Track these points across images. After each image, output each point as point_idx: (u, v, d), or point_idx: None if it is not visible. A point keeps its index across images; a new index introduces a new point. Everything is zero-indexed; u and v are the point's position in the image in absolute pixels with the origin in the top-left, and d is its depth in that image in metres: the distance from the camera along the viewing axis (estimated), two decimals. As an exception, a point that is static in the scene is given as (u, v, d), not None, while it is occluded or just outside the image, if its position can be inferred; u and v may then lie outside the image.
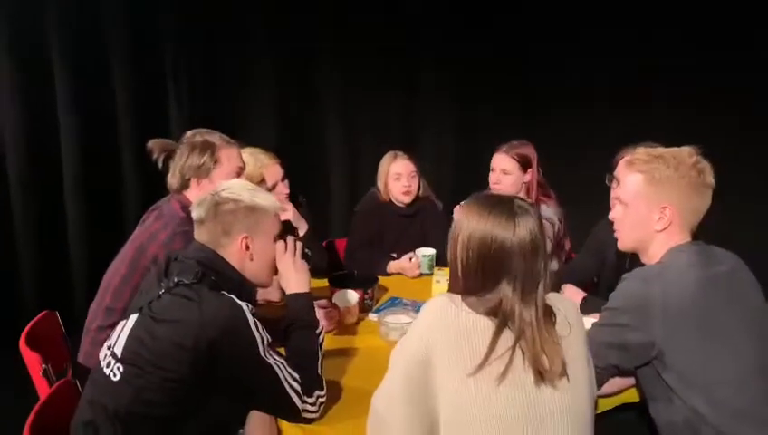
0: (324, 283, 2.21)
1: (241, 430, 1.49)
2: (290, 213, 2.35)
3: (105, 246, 2.26)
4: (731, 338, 1.41)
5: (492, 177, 2.59)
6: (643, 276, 1.48)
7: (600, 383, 1.53)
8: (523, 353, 1.20)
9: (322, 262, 2.47)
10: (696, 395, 1.39)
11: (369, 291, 2.16)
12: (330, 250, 2.88)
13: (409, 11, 3.74)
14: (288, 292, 1.62)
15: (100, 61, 3.11)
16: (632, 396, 1.65)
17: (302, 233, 2.42)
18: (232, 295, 1.38)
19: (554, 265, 2.64)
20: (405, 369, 1.25)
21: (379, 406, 1.29)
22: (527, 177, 2.56)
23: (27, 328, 1.85)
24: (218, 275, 1.44)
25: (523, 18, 3.82)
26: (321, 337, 1.57)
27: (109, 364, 1.37)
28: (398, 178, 2.68)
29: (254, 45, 3.48)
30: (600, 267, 2.30)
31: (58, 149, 3.11)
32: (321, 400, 1.46)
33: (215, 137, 1.98)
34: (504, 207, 1.25)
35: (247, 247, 1.50)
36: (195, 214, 1.48)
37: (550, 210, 2.55)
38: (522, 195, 2.59)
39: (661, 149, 1.55)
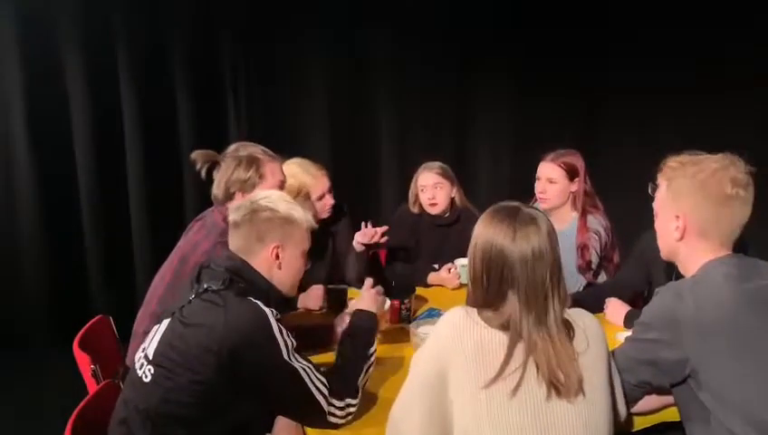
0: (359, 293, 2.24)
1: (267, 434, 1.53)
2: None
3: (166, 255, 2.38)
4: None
5: (537, 186, 2.54)
6: (675, 290, 1.41)
7: (633, 400, 1.48)
8: (537, 368, 1.19)
9: (365, 273, 2.49)
10: (732, 415, 1.31)
11: (407, 301, 2.17)
12: (375, 260, 2.90)
13: (462, 13, 3.73)
14: (357, 307, 1.70)
15: (165, 72, 3.25)
16: (672, 415, 1.58)
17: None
18: (258, 301, 1.43)
19: (602, 278, 2.57)
20: (421, 380, 1.27)
21: (396, 415, 1.31)
22: (574, 186, 2.50)
23: (81, 332, 1.97)
24: (246, 282, 1.49)
25: (581, 19, 3.75)
26: (372, 357, 1.61)
27: (141, 366, 1.44)
28: (423, 190, 2.70)
29: (310, 53, 3.55)
30: (648, 280, 2.21)
31: (123, 157, 3.27)
32: (351, 408, 1.49)
33: (258, 151, 2.06)
34: (508, 214, 1.26)
35: (277, 256, 1.56)
36: (231, 217, 1.54)
37: (596, 221, 2.48)
38: (568, 206, 2.54)
39: (693, 156, 1.48)
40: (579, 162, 2.51)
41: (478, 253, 1.27)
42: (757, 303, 1.36)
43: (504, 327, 1.23)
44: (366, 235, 2.44)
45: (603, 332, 1.31)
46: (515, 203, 1.31)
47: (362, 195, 3.73)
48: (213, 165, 2.03)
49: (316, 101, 3.65)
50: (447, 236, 2.75)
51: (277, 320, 1.43)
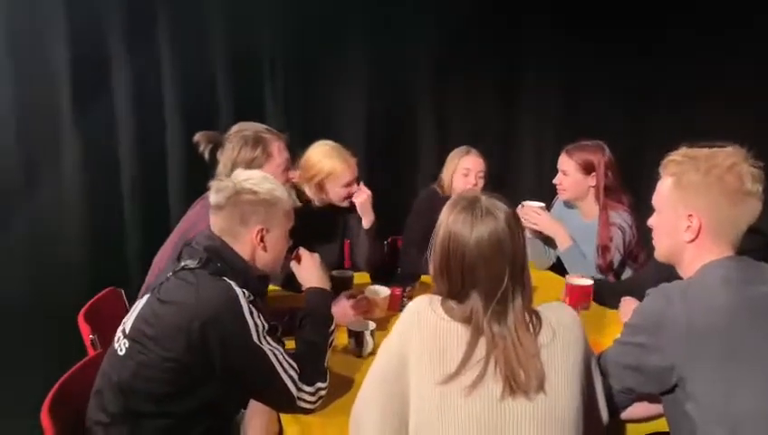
0: (367, 277, 2.22)
1: (243, 410, 1.54)
2: (364, 197, 2.42)
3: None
4: (762, 368, 1.21)
5: (556, 177, 2.46)
6: (666, 293, 1.31)
7: (619, 407, 1.40)
8: (496, 365, 1.14)
9: (375, 256, 2.47)
10: (719, 430, 1.21)
11: (409, 289, 2.13)
12: (393, 248, 2.87)
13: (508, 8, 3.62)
14: (307, 286, 1.67)
15: (204, 64, 3.28)
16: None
17: (366, 224, 2.45)
18: (231, 282, 1.43)
19: (627, 274, 2.45)
20: (381, 373, 1.24)
21: (356, 408, 1.29)
22: (591, 181, 2.39)
23: (90, 302, 2.04)
24: (223, 262, 1.49)
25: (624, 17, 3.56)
26: (332, 334, 1.60)
27: (118, 339, 1.47)
28: (466, 173, 2.63)
29: (350, 44, 3.50)
30: (669, 279, 2.08)
31: (164, 148, 3.32)
32: (321, 392, 1.47)
33: (263, 130, 2.06)
34: (468, 203, 1.21)
35: (262, 239, 1.55)
36: (213, 199, 1.54)
37: (619, 217, 2.36)
38: (591, 199, 2.43)
39: (699, 150, 1.36)
40: (596, 156, 2.40)
41: (438, 242, 1.23)
42: (755, 310, 1.24)
43: (466, 320, 1.18)
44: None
45: (579, 327, 1.24)
46: (477, 193, 1.27)
47: (398, 184, 3.67)
48: (216, 146, 2.04)
49: (354, 92, 3.60)
50: None
51: (249, 301, 1.42)
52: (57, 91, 2.91)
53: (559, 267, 2.56)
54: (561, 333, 1.19)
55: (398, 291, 2.09)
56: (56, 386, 1.52)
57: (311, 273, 1.68)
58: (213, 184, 1.55)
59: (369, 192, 2.44)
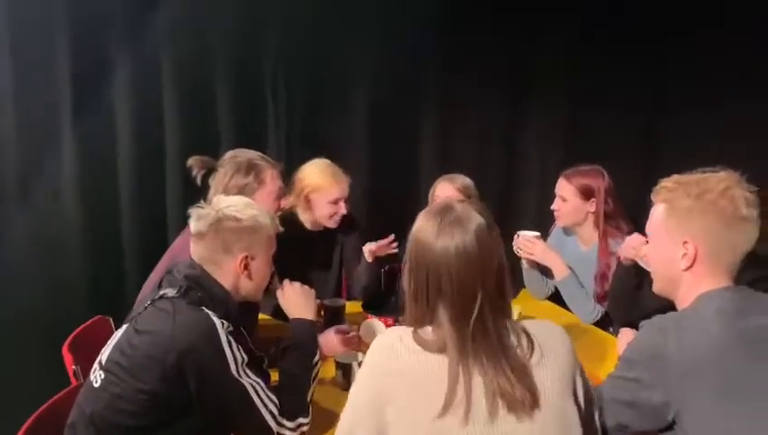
0: (359, 306, 2.17)
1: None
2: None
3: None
4: (761, 404, 1.14)
5: (555, 202, 2.41)
6: (659, 325, 1.26)
7: None
8: (481, 390, 1.07)
9: (372, 285, 2.43)
10: None
11: (402, 318, 2.06)
12: (390, 277, 2.82)
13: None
14: (292, 317, 1.63)
15: (205, 76, 3.27)
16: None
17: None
18: (209, 311, 1.39)
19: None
20: (356, 408, 1.15)
21: None
22: (591, 207, 2.34)
23: (75, 332, 2.00)
24: (203, 291, 1.45)
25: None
26: (317, 367, 1.55)
27: (94, 371, 1.43)
28: (435, 201, 2.58)
29: (351, 62, 3.42)
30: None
31: (163, 172, 3.30)
32: (303, 428, 1.43)
33: (257, 157, 2.05)
34: (439, 211, 1.13)
35: (246, 267, 1.51)
36: (193, 227, 1.51)
37: (618, 246, 2.30)
38: (590, 226, 2.38)
39: (691, 175, 1.32)
40: (596, 181, 2.35)
41: (408, 253, 1.14)
42: (750, 342, 1.18)
43: (442, 350, 1.10)
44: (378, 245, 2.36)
45: (568, 347, 1.16)
46: (453, 201, 1.16)
47: (400, 206, 3.61)
48: (209, 172, 2.02)
49: (356, 110, 3.58)
50: None
51: (228, 332, 1.38)
52: (57, 108, 2.92)
53: (557, 297, 2.49)
54: (550, 352, 1.12)
55: (390, 322, 2.04)
56: (31, 418, 1.47)
57: (294, 303, 1.64)
58: (193, 211, 1.52)
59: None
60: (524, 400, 1.06)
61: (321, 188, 2.37)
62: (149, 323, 1.39)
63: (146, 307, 1.43)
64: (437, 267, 1.09)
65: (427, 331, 1.13)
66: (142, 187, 3.12)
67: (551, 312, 2.42)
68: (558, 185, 2.40)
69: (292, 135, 3.37)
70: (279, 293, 1.66)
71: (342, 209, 2.41)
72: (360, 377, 1.17)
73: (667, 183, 1.34)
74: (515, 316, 2.02)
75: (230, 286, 1.51)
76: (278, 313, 2.22)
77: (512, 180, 3.80)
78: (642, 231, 2.36)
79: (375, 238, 2.51)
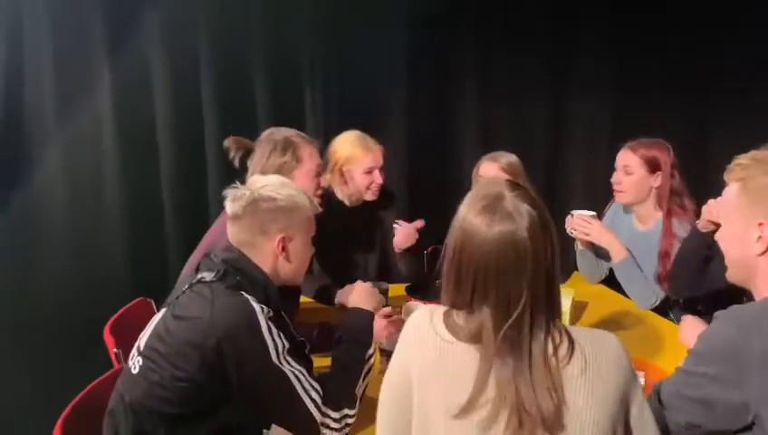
0: (401, 290, 2.10)
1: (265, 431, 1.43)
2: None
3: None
4: None
5: (614, 175, 2.27)
6: (738, 318, 1.13)
7: None
8: (511, 400, 0.97)
9: (412, 269, 2.35)
10: None
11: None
12: (433, 258, 2.73)
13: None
14: (351, 304, 1.58)
15: (242, 67, 3.23)
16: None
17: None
18: (249, 296, 1.33)
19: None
20: (384, 399, 1.09)
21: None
22: (656, 181, 2.19)
23: (118, 313, 1.99)
24: (242, 275, 1.39)
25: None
26: (370, 361, 1.47)
27: (132, 356, 1.39)
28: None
29: (392, 51, 3.34)
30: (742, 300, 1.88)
31: (203, 154, 3.28)
32: (348, 420, 1.36)
33: (293, 134, 1.98)
34: (490, 201, 1.01)
35: (284, 248, 1.45)
36: (230, 209, 1.44)
37: (681, 227, 2.14)
38: (651, 203, 2.23)
39: None
40: (662, 154, 2.20)
41: (450, 240, 1.05)
42: None
43: (474, 340, 1.00)
44: (405, 236, 2.25)
45: (623, 365, 1.03)
46: (501, 189, 1.03)
47: (441, 196, 3.51)
48: (246, 153, 1.96)
49: (396, 98, 3.48)
50: None
51: (269, 317, 1.32)
52: (96, 96, 2.92)
53: (611, 281, 2.37)
54: (595, 365, 1.00)
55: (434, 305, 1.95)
56: (71, 404, 1.45)
57: (359, 296, 1.60)
58: (228, 192, 1.45)
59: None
60: (545, 415, 0.95)
61: (354, 158, 2.29)
62: (187, 308, 1.34)
63: (184, 291, 1.38)
64: (483, 262, 0.99)
65: (460, 316, 1.04)
66: (182, 170, 3.10)
67: (604, 296, 2.29)
68: (620, 156, 2.25)
69: (330, 116, 3.29)
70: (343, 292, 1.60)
71: (379, 178, 2.32)
72: (392, 359, 1.10)
73: (742, 160, 1.22)
74: (569, 301, 1.94)
75: (269, 269, 1.44)
76: (321, 295, 2.17)
77: (557, 158, 3.66)
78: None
79: (417, 217, 2.43)
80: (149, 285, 2.76)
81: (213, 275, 1.36)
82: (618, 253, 2.19)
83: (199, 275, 1.39)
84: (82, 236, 2.96)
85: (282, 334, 1.33)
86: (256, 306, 1.31)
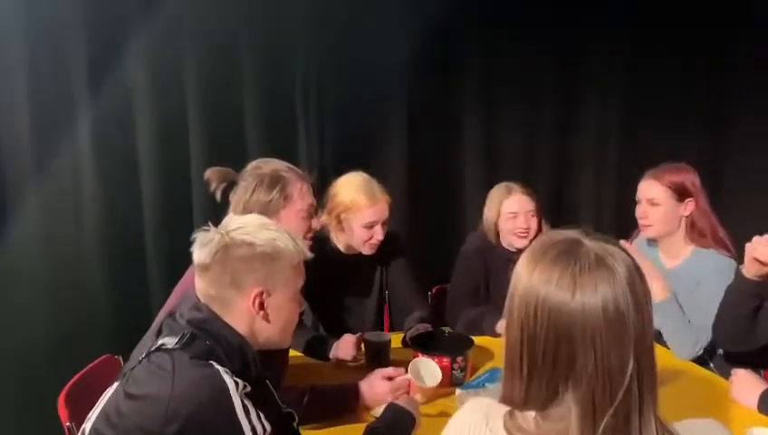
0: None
1: None
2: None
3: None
4: None
5: (638, 209, 2.05)
6: None
7: None
8: None
9: (425, 320, 2.08)
10: None
11: (460, 359, 1.72)
12: (439, 299, 2.47)
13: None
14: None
15: (233, 96, 3.01)
16: None
17: None
18: (220, 368, 1.07)
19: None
20: None
21: None
22: (685, 210, 1.96)
23: (75, 378, 1.72)
24: (212, 340, 1.13)
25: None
26: None
27: (76, 443, 1.12)
28: (513, 217, 2.21)
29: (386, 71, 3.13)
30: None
31: (188, 181, 3.05)
32: None
33: (283, 168, 1.72)
34: (566, 250, 0.79)
35: (261, 305, 1.18)
36: (196, 257, 1.19)
37: (724, 262, 1.90)
38: (681, 236, 1.99)
39: None
40: (690, 179, 1.98)
41: (514, 313, 0.81)
42: None
43: None
44: (344, 349, 1.88)
45: None
46: (574, 233, 0.82)
47: (442, 230, 3.29)
48: (230, 185, 1.71)
49: (393, 121, 3.27)
50: None
51: (245, 395, 1.06)
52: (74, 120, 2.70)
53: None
54: None
55: (445, 362, 1.69)
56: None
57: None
58: (197, 237, 1.20)
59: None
60: None
61: (355, 208, 2.04)
62: (143, 384, 1.07)
63: (140, 361, 1.12)
64: (573, 336, 0.75)
65: (528, 419, 0.79)
66: (167, 206, 2.86)
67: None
68: (644, 187, 2.02)
69: (326, 137, 3.07)
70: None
71: (379, 235, 2.06)
72: None
73: None
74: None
75: (245, 332, 1.18)
76: (312, 349, 1.91)
77: (563, 181, 3.45)
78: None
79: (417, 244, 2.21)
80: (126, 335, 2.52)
81: (176, 340, 1.10)
82: (662, 291, 1.91)
83: (160, 341, 1.13)
84: (60, 279, 2.72)
85: (261, 415, 1.06)
86: (229, 381, 1.04)
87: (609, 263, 0.76)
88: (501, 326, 2.09)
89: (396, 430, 1.33)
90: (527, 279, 0.80)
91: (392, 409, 1.38)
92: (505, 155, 3.34)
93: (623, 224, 2.38)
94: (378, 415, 1.44)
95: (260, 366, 1.18)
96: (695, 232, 1.96)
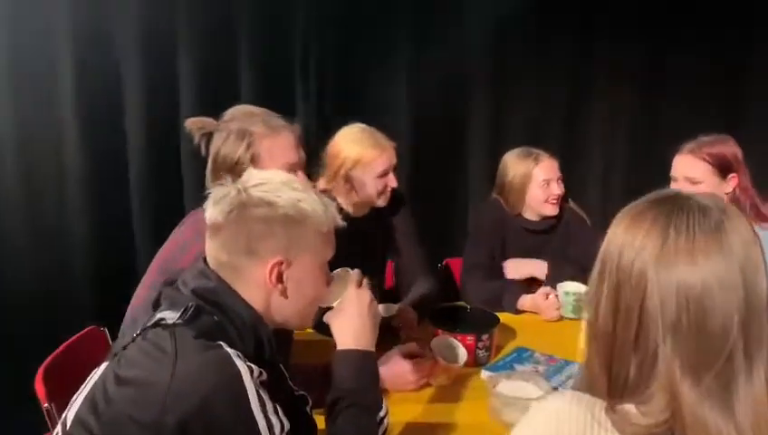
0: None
1: None
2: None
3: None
4: None
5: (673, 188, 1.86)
6: None
7: None
8: None
9: (433, 291, 1.92)
10: None
11: (485, 337, 1.56)
12: (447, 274, 2.31)
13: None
14: (341, 346, 1.11)
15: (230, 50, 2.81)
16: None
17: None
18: (230, 350, 0.89)
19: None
20: None
21: None
22: (728, 186, 1.78)
23: (55, 353, 1.53)
24: (221, 315, 0.95)
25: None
26: (383, 425, 1.07)
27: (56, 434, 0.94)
28: (546, 184, 2.05)
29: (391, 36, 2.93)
30: None
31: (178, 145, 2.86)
32: None
33: (256, 120, 1.45)
34: (672, 210, 0.69)
35: (279, 277, 0.99)
36: (209, 214, 1.01)
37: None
38: None
39: None
40: (732, 151, 1.79)
41: (607, 277, 0.71)
42: None
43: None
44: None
45: None
46: (678, 190, 0.75)
47: (448, 195, 3.12)
48: (209, 137, 1.48)
49: (395, 82, 3.07)
50: (541, 248, 2.11)
51: (260, 383, 0.88)
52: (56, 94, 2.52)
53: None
54: None
55: (469, 340, 1.53)
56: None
57: (350, 324, 1.12)
58: (212, 191, 1.01)
59: None
60: None
61: (364, 160, 1.84)
62: (137, 367, 0.89)
63: (134, 338, 0.94)
64: (686, 300, 0.66)
65: (631, 412, 0.66)
66: (153, 161, 2.69)
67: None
68: (680, 164, 1.82)
69: (325, 101, 2.87)
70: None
71: (393, 182, 1.87)
72: None
73: None
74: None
75: (260, 307, 1.00)
76: (321, 324, 1.73)
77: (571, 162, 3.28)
78: None
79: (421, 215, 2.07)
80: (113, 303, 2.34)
81: (178, 314, 0.92)
82: None
83: (158, 314, 0.94)
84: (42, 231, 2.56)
85: (279, 410, 0.89)
86: (242, 367, 0.87)
87: (730, 225, 0.68)
88: (523, 302, 1.94)
89: (357, 382, 1.07)
90: (622, 242, 0.70)
91: (341, 357, 1.10)
92: (512, 124, 3.15)
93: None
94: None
95: (274, 347, 1.01)
96: (747, 208, 1.77)
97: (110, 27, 2.57)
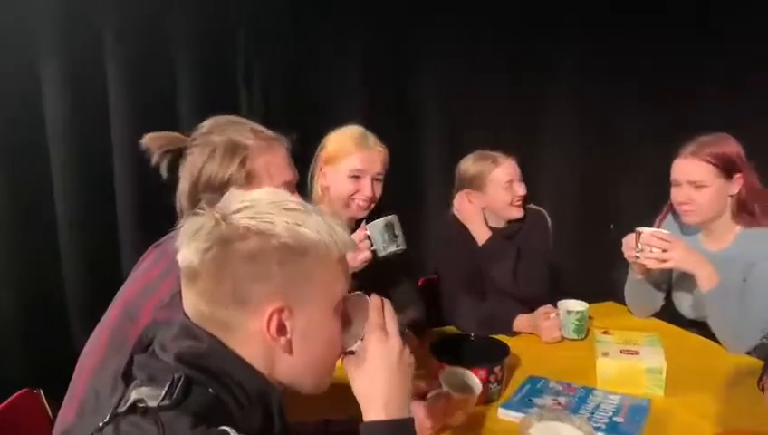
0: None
1: None
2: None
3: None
4: None
5: (677, 194, 1.76)
6: None
7: None
8: None
9: (422, 318, 1.73)
10: None
11: (497, 369, 1.38)
12: (426, 294, 2.12)
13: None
14: (367, 416, 0.84)
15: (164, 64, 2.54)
16: None
17: None
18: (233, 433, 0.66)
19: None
20: None
21: None
22: (733, 187, 1.70)
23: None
24: (219, 385, 0.72)
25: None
26: None
27: None
28: (508, 186, 1.93)
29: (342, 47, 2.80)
30: None
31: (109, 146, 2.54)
32: None
33: (245, 131, 1.23)
34: None
35: (281, 329, 0.77)
36: (181, 256, 0.77)
37: None
38: (727, 217, 1.74)
39: None
40: (735, 150, 1.72)
41: None
42: None
43: None
44: None
45: None
46: None
47: (406, 204, 2.96)
48: (177, 156, 1.25)
49: (348, 98, 2.89)
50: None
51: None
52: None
53: (665, 314, 1.91)
54: None
55: (481, 374, 1.34)
56: None
57: (375, 379, 0.85)
58: (183, 224, 0.78)
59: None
60: None
61: (340, 154, 1.66)
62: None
63: (100, 429, 0.69)
64: None
65: None
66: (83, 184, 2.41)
67: (674, 336, 1.78)
68: (683, 168, 1.73)
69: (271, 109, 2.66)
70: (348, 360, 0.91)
71: (366, 190, 1.66)
72: None
73: None
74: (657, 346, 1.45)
75: (264, 368, 0.78)
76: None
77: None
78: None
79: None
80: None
81: (161, 392, 0.68)
82: (709, 279, 1.65)
83: (133, 394, 0.70)
84: None
85: None
86: None
87: None
88: (520, 323, 1.78)
89: None
90: None
91: (371, 428, 0.84)
92: (470, 127, 3.03)
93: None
94: None
95: (286, 420, 0.78)
96: (744, 211, 1.70)
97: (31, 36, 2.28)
